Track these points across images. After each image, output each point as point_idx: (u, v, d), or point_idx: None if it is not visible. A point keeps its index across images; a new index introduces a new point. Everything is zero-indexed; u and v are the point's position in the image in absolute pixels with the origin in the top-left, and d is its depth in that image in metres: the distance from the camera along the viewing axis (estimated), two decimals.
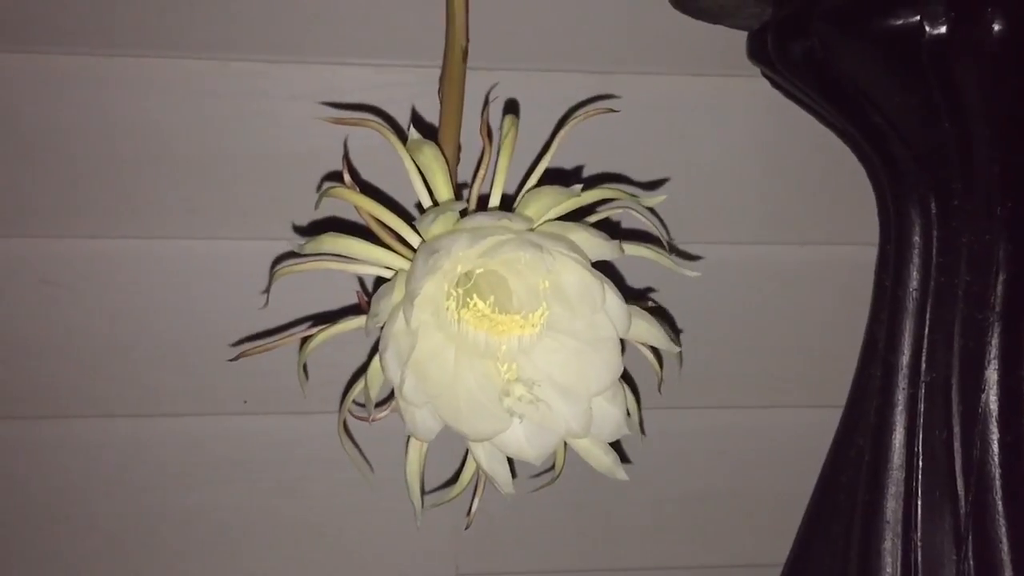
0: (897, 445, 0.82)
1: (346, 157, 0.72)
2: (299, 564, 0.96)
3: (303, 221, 0.87)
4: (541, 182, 0.72)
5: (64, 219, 0.87)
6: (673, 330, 0.78)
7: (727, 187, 0.95)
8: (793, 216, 0.96)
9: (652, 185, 0.93)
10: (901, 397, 0.82)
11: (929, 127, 0.77)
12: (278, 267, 0.70)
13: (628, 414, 0.69)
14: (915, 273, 0.82)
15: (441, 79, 0.77)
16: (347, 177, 0.70)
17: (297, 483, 0.94)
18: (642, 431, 0.74)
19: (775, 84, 0.90)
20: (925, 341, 0.81)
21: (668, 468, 1.00)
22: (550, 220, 0.69)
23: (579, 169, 0.92)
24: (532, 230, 0.68)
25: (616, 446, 0.71)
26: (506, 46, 0.88)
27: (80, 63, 0.85)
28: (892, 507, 0.82)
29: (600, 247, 0.67)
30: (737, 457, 1.01)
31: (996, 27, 0.70)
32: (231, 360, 0.73)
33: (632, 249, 0.70)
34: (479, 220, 0.65)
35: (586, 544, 1.00)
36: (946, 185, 0.79)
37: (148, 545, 0.94)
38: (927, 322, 0.81)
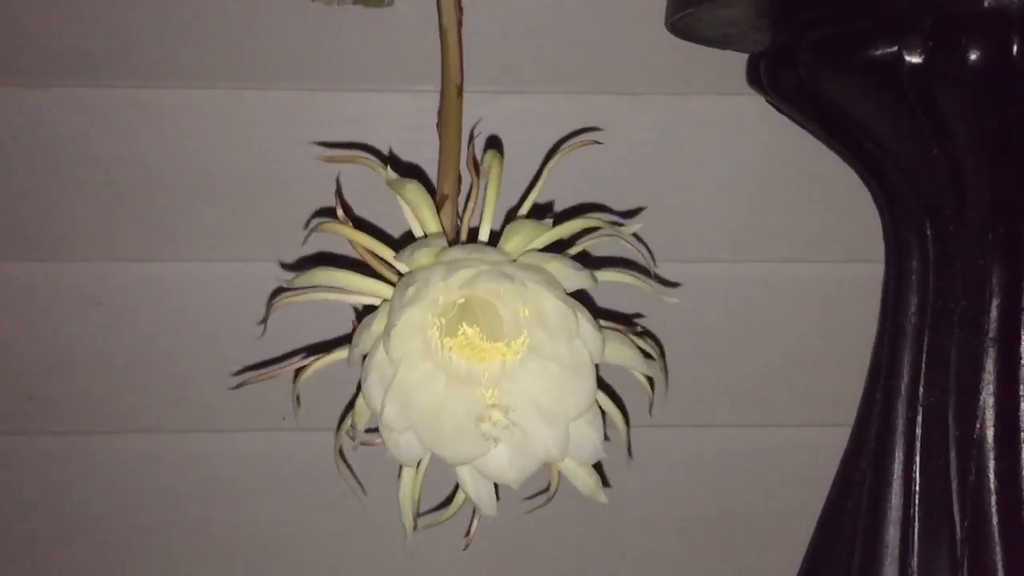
0: (896, 470, 0.82)
1: (338, 193, 0.76)
2: (340, 573, 0.99)
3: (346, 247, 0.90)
4: (530, 214, 0.75)
5: (114, 244, 0.91)
6: (661, 353, 0.80)
7: (735, 206, 0.96)
8: (808, 233, 0.97)
9: (653, 205, 0.94)
10: (900, 422, 0.82)
11: (919, 154, 0.78)
12: (277, 299, 0.74)
13: (607, 438, 0.72)
14: (913, 297, 0.82)
15: (439, 113, 0.80)
16: (340, 212, 0.74)
17: (335, 497, 0.97)
18: (629, 453, 0.76)
19: (776, 107, 0.91)
20: (923, 366, 0.81)
21: (697, 488, 1.00)
22: (529, 251, 0.72)
23: (580, 194, 0.94)
24: (515, 261, 0.71)
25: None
26: (503, 69, 0.91)
27: (127, 95, 0.89)
28: (891, 532, 0.82)
29: (573, 277, 0.70)
30: (768, 477, 1.01)
31: (972, 56, 0.70)
32: (233, 388, 0.77)
33: (607, 275, 0.73)
34: (455, 253, 0.68)
35: (615, 562, 1.01)
36: (940, 210, 0.79)
37: (195, 557, 0.98)
38: (925, 347, 0.81)
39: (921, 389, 0.81)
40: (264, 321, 0.77)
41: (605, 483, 0.77)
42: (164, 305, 0.93)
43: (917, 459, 0.81)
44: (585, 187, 0.93)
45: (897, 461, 0.82)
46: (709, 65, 0.93)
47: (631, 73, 0.93)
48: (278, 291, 0.90)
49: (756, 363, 0.99)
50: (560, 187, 0.92)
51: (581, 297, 0.72)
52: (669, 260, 0.95)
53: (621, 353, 0.73)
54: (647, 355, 0.73)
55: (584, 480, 0.74)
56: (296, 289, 0.72)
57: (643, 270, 0.80)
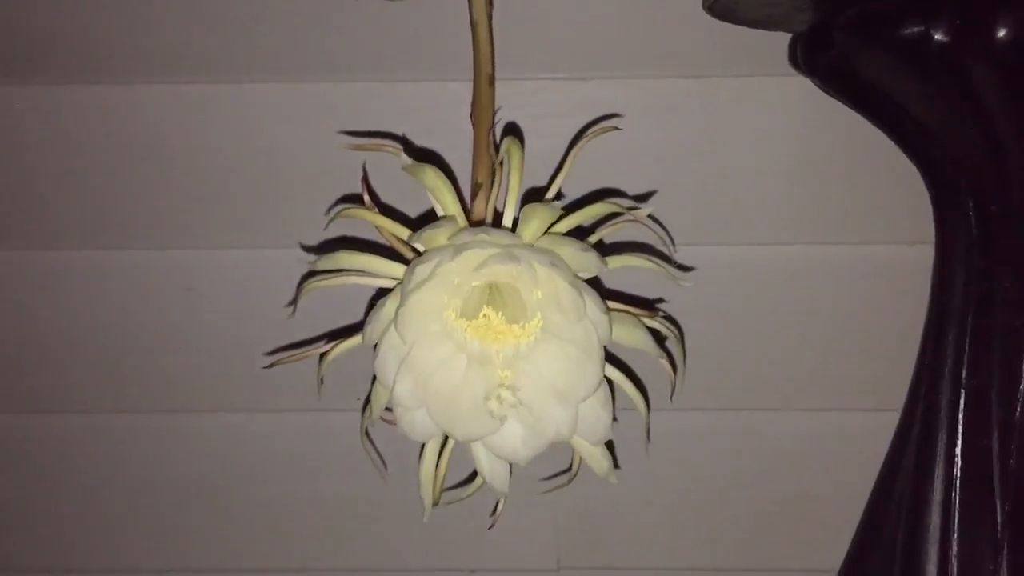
0: (939, 453, 0.81)
1: (364, 180, 0.78)
2: (412, 547, 1.03)
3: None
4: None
5: (201, 233, 0.96)
6: (680, 336, 0.80)
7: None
8: (866, 213, 0.95)
9: (709, 187, 0.94)
10: (943, 404, 0.80)
11: (958, 133, 0.76)
12: (306, 283, 0.77)
13: (615, 419, 0.73)
14: (959, 278, 0.81)
15: (472, 103, 0.82)
16: (367, 198, 0.77)
17: (409, 474, 1.01)
18: (648, 436, 0.77)
19: (819, 87, 0.89)
20: (967, 347, 0.79)
21: (770, 470, 1.00)
22: (545, 235, 0.73)
23: (640, 178, 0.94)
24: (533, 245, 0.73)
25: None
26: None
27: (207, 91, 0.93)
28: (932, 515, 0.80)
29: (584, 261, 0.71)
30: (843, 461, 1.00)
31: (1001, 32, 0.68)
32: (264, 368, 0.80)
33: (619, 260, 0.73)
34: (465, 236, 0.70)
35: (686, 542, 1.02)
36: (982, 189, 0.78)
37: (279, 529, 1.02)
38: (969, 328, 0.80)
39: (964, 370, 0.79)
40: (293, 303, 0.80)
41: (616, 465, 0.78)
42: (249, 290, 0.97)
43: (959, 441, 0.79)
44: (648, 170, 0.93)
45: (940, 443, 0.81)
46: (759, 46, 0.91)
47: (683, 56, 0.92)
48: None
49: (812, 346, 0.98)
50: (618, 170, 0.93)
51: (595, 283, 0.72)
52: (733, 244, 0.95)
53: (633, 335, 0.74)
54: (661, 337, 0.74)
55: (599, 461, 0.75)
56: (321, 272, 0.75)
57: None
